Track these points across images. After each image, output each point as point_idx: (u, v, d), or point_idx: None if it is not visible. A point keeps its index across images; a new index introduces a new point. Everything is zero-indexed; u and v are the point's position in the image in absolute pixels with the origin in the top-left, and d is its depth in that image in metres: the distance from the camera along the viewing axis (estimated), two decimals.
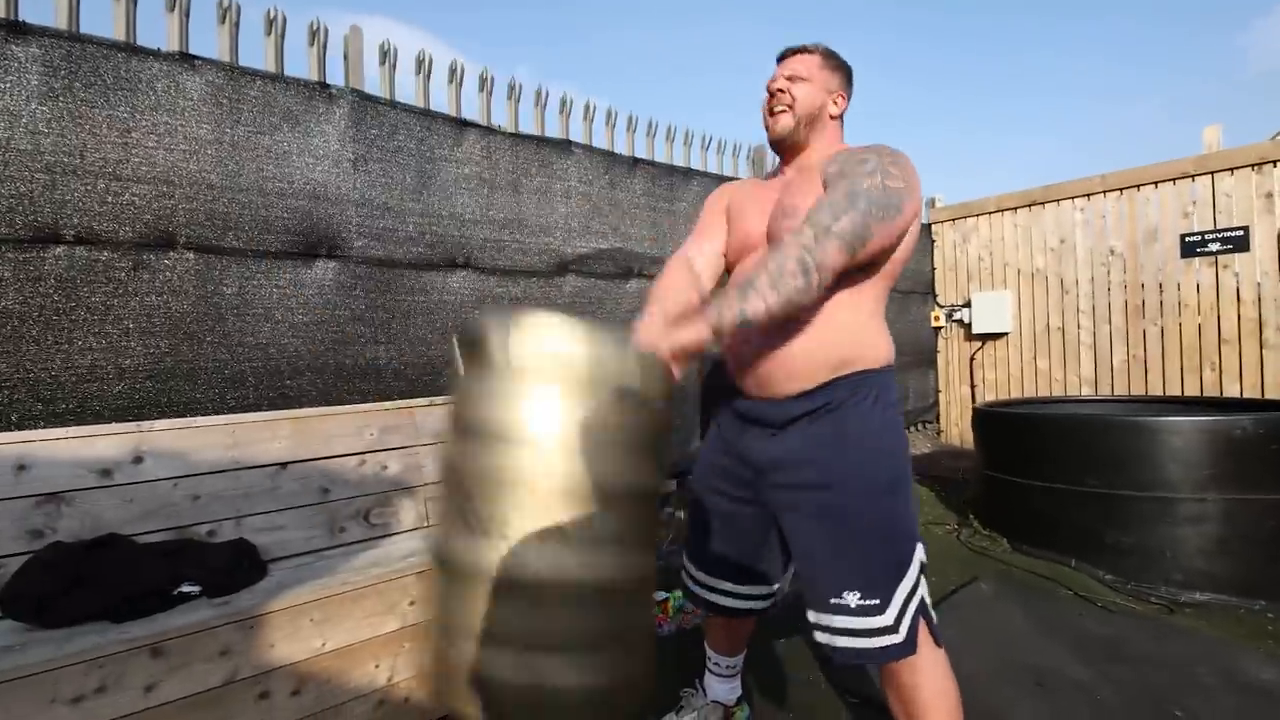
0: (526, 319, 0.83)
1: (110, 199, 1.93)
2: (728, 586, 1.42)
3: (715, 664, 1.61)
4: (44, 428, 1.76)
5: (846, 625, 1.16)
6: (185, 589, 1.49)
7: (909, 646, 1.15)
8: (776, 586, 1.44)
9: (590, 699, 0.78)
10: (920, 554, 1.21)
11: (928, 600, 1.21)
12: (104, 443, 1.65)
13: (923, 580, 1.20)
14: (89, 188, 1.90)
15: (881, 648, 1.15)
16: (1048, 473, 2.82)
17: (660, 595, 2.30)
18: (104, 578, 1.43)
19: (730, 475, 1.36)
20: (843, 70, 1.34)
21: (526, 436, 0.78)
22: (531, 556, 0.75)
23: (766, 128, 1.35)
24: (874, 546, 1.18)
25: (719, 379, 1.44)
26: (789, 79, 1.30)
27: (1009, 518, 3.05)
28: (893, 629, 1.14)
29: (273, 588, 1.57)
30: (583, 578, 0.78)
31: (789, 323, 1.19)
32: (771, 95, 1.32)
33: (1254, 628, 2.18)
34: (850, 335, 1.22)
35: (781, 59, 1.34)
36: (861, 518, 1.18)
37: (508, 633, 0.76)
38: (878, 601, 1.15)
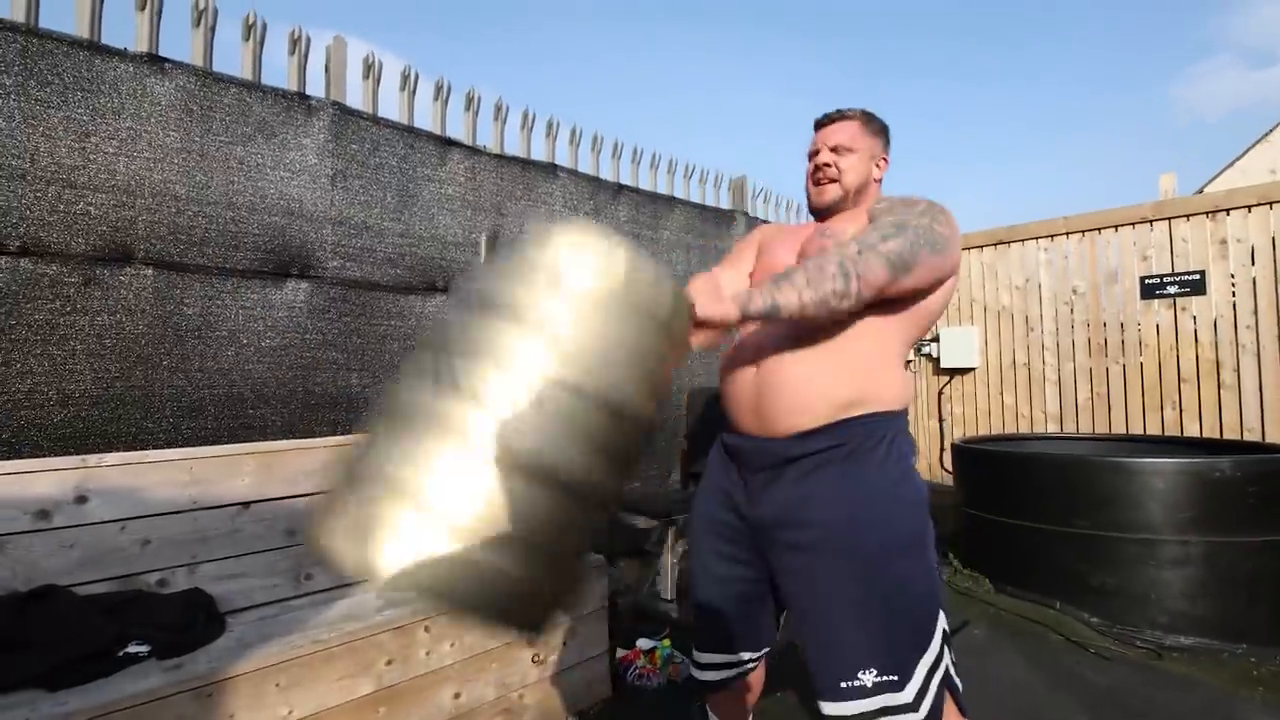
0: (567, 225, 0.78)
1: (62, 207, 1.76)
2: (721, 659, 1.28)
3: None
4: None
5: (862, 709, 1.04)
6: (132, 649, 1.32)
7: None
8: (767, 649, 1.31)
9: (508, 587, 0.68)
10: (944, 621, 1.11)
11: (953, 670, 1.11)
12: (43, 479, 1.47)
13: (947, 649, 1.10)
14: (38, 194, 1.73)
15: None
16: (1031, 512, 2.81)
17: (647, 645, 2.18)
18: (38, 637, 1.26)
19: (726, 532, 1.23)
20: (883, 133, 1.31)
21: (535, 319, 0.71)
22: (505, 429, 0.67)
23: (809, 195, 1.31)
24: (891, 615, 1.05)
25: (714, 413, 1.35)
26: (835, 150, 1.26)
27: (991, 557, 3.03)
28: (912, 707, 1.03)
29: (233, 646, 1.41)
30: (547, 464, 0.69)
31: (800, 346, 1.11)
32: (817, 168, 1.28)
33: (1239, 673, 2.18)
34: (866, 370, 1.12)
35: (821, 125, 1.31)
36: (877, 582, 1.06)
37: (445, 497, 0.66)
38: (896, 678, 1.03)
